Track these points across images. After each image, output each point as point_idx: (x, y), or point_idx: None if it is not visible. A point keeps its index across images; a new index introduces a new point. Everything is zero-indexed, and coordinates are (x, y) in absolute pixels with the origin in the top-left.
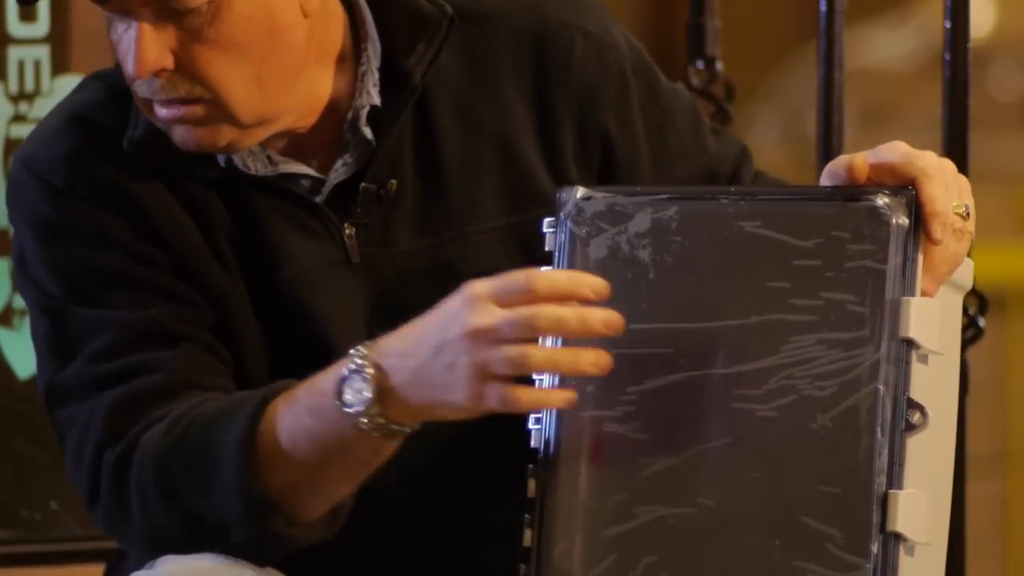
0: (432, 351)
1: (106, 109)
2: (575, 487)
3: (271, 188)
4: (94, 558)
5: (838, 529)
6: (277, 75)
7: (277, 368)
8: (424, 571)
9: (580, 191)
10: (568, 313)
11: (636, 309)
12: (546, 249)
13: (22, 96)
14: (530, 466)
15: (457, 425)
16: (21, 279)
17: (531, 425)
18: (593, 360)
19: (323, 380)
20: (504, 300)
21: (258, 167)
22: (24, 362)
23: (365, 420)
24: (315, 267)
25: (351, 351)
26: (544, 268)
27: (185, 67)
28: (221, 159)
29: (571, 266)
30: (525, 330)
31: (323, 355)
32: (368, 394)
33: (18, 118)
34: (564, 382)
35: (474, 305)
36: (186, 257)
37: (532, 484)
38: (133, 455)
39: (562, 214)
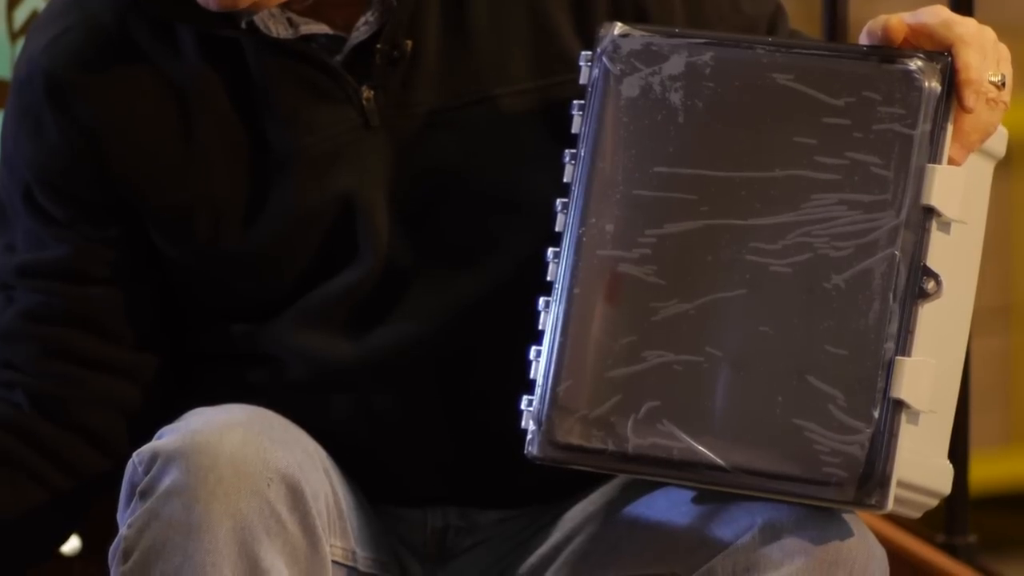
0: None
1: None
2: (586, 325)
3: (289, 51)
4: None
5: (841, 391)
6: None
7: (299, 237)
8: (428, 425)
9: (618, 27)
10: None
11: (662, 152)
12: (580, 83)
13: None
14: (543, 299)
15: (473, 268)
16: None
17: (549, 259)
18: None
19: None
20: None
21: (279, 30)
22: None
23: None
24: (334, 133)
25: None
26: (575, 102)
27: None
28: (243, 20)
29: (603, 102)
30: None
31: (347, 221)
32: None
33: None
34: (584, 221)
35: None
36: (127, 172)
37: (544, 317)
38: None
39: (599, 49)
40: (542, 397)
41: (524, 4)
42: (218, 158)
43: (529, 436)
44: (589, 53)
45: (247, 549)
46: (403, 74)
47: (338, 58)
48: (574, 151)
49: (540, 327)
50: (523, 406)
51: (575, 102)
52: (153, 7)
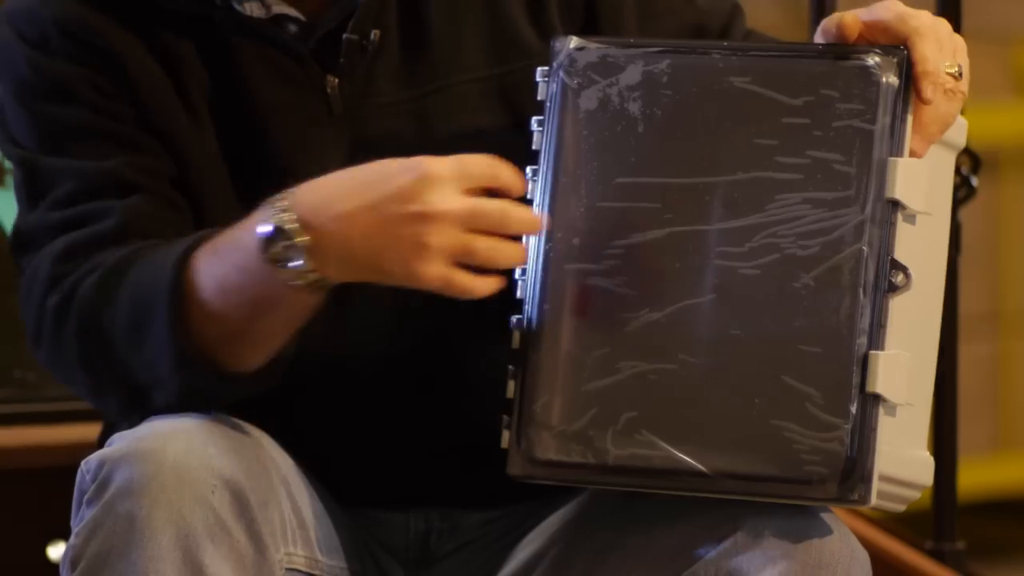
0: (376, 222)
1: None
2: (559, 340)
3: (260, 34)
4: (88, 418)
5: (817, 389)
6: None
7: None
8: (409, 423)
9: (573, 41)
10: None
11: (624, 162)
12: (539, 98)
13: None
14: (515, 318)
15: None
16: (2, 132)
17: (517, 276)
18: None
19: (244, 235)
20: (465, 186)
21: (252, 8)
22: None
23: (298, 281)
24: (297, 120)
25: (270, 203)
26: (535, 118)
27: None
28: None
29: (562, 117)
30: (490, 224)
31: None
32: (299, 260)
33: None
34: (551, 236)
35: (437, 186)
36: (153, 109)
37: (516, 336)
38: (72, 301)
39: (555, 63)
40: (519, 415)
41: None
42: (207, 124)
43: (509, 455)
44: (546, 68)
45: (191, 556)
46: (367, 65)
47: (307, 46)
48: (536, 167)
49: (513, 345)
50: (503, 426)
51: (534, 119)
52: None
